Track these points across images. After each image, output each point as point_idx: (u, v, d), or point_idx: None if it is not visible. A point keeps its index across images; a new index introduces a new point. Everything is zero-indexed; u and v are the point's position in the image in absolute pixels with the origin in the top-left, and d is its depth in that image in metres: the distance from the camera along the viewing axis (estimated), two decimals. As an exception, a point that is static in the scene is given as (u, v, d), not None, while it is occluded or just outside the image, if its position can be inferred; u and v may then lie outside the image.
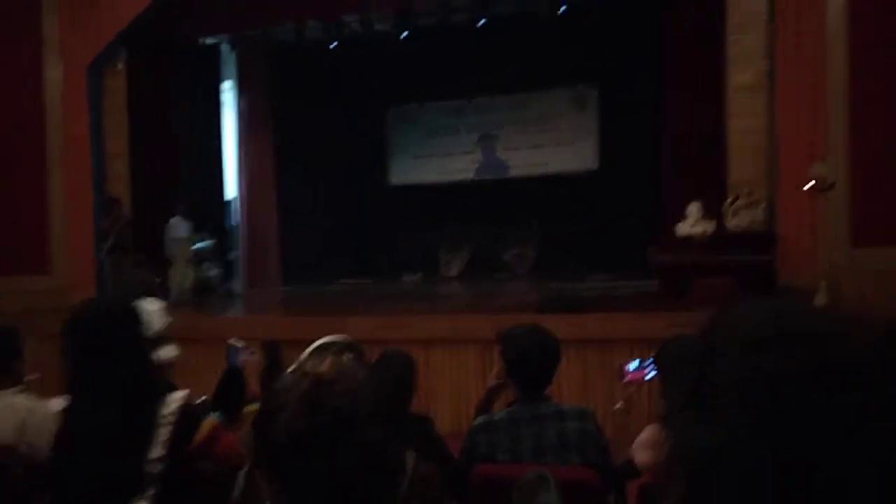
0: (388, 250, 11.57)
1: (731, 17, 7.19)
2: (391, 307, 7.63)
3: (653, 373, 2.36)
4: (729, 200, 7.37)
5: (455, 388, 5.85)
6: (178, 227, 9.35)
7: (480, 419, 2.38)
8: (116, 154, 9.54)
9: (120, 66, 9.42)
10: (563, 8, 9.96)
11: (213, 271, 10.09)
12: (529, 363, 2.31)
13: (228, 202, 11.78)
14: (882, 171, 6.29)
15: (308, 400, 0.89)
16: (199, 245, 9.50)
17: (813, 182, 5.87)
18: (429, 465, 2.06)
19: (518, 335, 2.37)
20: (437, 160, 12.12)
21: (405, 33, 10.65)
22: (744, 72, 7.16)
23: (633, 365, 2.49)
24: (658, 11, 8.20)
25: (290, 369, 0.99)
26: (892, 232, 6.17)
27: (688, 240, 7.25)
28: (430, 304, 8.30)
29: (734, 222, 7.31)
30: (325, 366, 0.94)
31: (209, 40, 10.91)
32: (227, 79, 11.56)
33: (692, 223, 7.43)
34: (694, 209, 7.41)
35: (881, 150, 6.28)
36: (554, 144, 11.54)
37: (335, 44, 10.85)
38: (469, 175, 11.99)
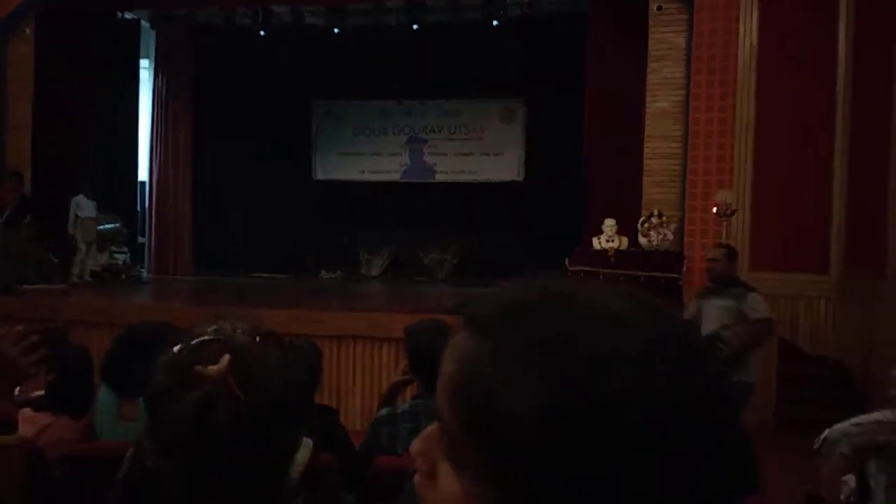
0: (307, 246, 11.34)
1: (652, 46, 7.54)
2: (306, 302, 7.48)
3: None
4: (642, 219, 7.70)
5: (366, 385, 5.80)
6: (83, 205, 8.83)
7: (383, 411, 2.37)
8: (19, 125, 8.94)
9: (28, 31, 8.83)
10: (495, 22, 10.17)
11: (121, 255, 9.59)
12: (431, 358, 2.32)
13: (141, 183, 11.25)
14: (779, 203, 6.76)
15: (201, 411, 0.84)
16: (104, 226, 9.00)
17: (716, 208, 6.22)
18: (327, 456, 2.02)
19: (421, 330, 2.39)
20: (363, 159, 12.02)
21: (336, 29, 10.54)
22: (661, 99, 7.51)
23: None
24: (584, 34, 8.49)
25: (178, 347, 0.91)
26: (783, 258, 6.63)
27: (601, 253, 7.52)
28: (347, 301, 8.21)
29: (646, 240, 7.64)
30: (223, 364, 0.86)
31: (128, 15, 10.40)
32: (146, 57, 11.06)
33: (607, 238, 7.72)
34: (609, 224, 7.69)
35: (780, 184, 6.75)
36: (481, 153, 11.69)
37: (263, 32, 10.59)
38: (395, 177, 11.96)
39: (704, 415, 0.44)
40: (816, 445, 2.17)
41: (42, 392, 2.81)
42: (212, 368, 0.83)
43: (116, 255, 9.60)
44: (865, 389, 5.87)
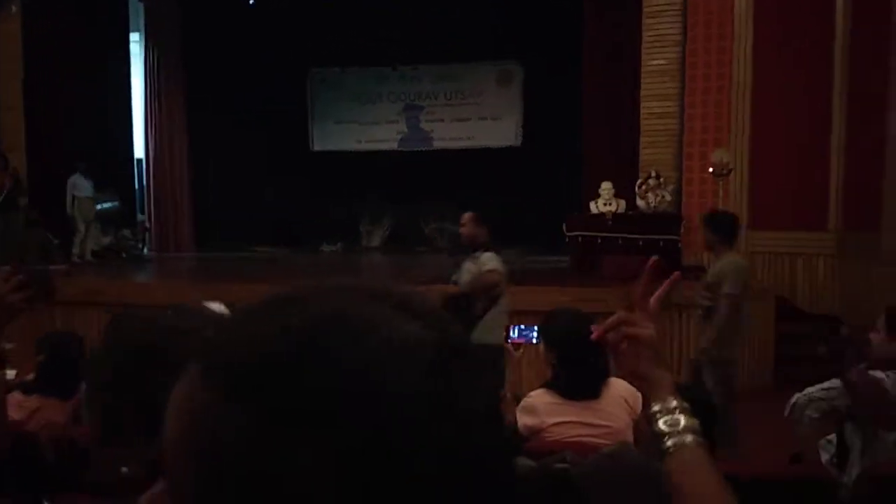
0: (307, 218, 11.32)
1: (647, 2, 7.37)
2: (306, 277, 7.50)
3: (534, 338, 2.48)
4: (639, 181, 7.62)
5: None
6: (80, 185, 8.82)
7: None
8: (10, 106, 8.87)
9: (14, 9, 8.70)
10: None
11: (124, 234, 9.62)
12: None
13: (138, 161, 11.21)
14: (777, 161, 6.67)
15: None
16: (102, 206, 9.01)
17: (712, 167, 6.15)
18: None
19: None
20: (360, 127, 11.92)
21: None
22: (657, 57, 7.37)
23: (516, 330, 2.64)
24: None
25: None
26: (781, 217, 6.57)
27: (599, 217, 7.47)
28: (347, 275, 8.23)
29: (643, 202, 7.58)
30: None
31: (116, -12, 10.24)
32: (136, 30, 10.91)
33: (604, 201, 7.66)
34: (606, 187, 7.62)
35: (777, 141, 6.65)
36: (478, 118, 11.57)
37: (253, 1, 10.41)
38: (393, 145, 11.87)
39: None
40: (787, 412, 2.20)
41: (33, 375, 2.85)
42: None
43: (120, 235, 9.61)
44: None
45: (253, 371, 0.37)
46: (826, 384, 2.27)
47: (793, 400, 2.24)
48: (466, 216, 4.32)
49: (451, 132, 11.66)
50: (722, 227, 3.95)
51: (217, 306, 1.05)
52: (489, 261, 4.06)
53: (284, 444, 0.35)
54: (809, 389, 2.29)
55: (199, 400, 0.38)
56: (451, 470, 0.37)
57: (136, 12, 10.91)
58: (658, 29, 7.39)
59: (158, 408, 0.85)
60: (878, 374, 2.17)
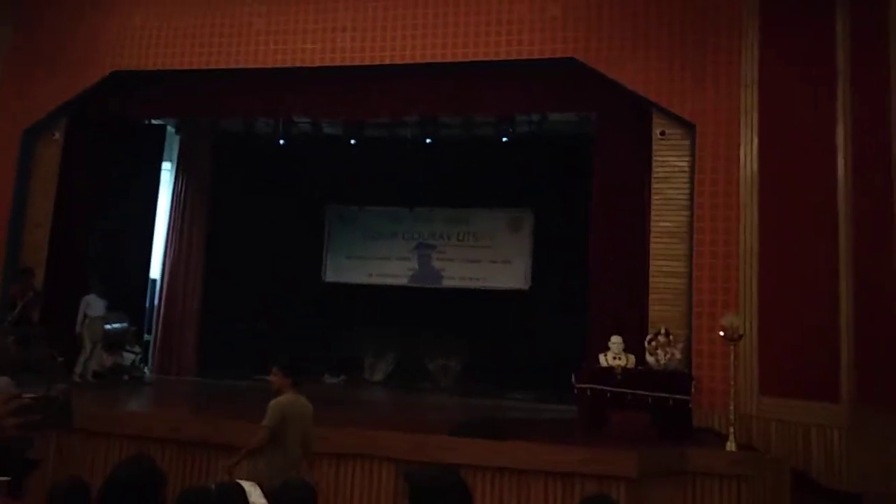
0: (312, 348, 11.26)
1: (656, 168, 7.77)
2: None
3: None
4: (649, 337, 7.63)
5: (363, 507, 5.59)
6: (93, 304, 8.90)
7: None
8: (39, 223, 9.18)
9: (57, 136, 9.26)
10: (505, 139, 10.62)
11: (132, 354, 9.56)
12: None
13: (152, 281, 11.37)
14: (787, 326, 6.72)
15: None
16: (111, 326, 9.03)
17: (723, 331, 6.18)
18: None
19: (426, 478, 2.33)
20: (372, 262, 12.20)
21: (353, 140, 11.01)
22: (665, 219, 7.66)
23: None
24: (590, 152, 8.79)
25: None
26: (792, 385, 6.50)
27: (608, 371, 7.41)
28: (348, 412, 8.05)
29: (653, 359, 7.54)
30: None
31: (155, 121, 10.92)
32: (168, 159, 11.50)
33: (613, 355, 7.63)
34: (616, 341, 7.62)
35: (786, 307, 6.73)
36: (489, 261, 11.84)
37: (283, 140, 11.07)
38: (403, 281, 12.07)
39: None
40: None
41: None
42: None
43: (126, 355, 9.55)
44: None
45: None
46: None
47: None
48: None
49: (461, 272, 11.89)
50: (294, 371, 4.55)
51: (255, 491, 1.07)
52: None
53: None
54: None
55: None
56: None
57: (171, 142, 11.56)
58: (666, 193, 7.74)
59: None
60: None
